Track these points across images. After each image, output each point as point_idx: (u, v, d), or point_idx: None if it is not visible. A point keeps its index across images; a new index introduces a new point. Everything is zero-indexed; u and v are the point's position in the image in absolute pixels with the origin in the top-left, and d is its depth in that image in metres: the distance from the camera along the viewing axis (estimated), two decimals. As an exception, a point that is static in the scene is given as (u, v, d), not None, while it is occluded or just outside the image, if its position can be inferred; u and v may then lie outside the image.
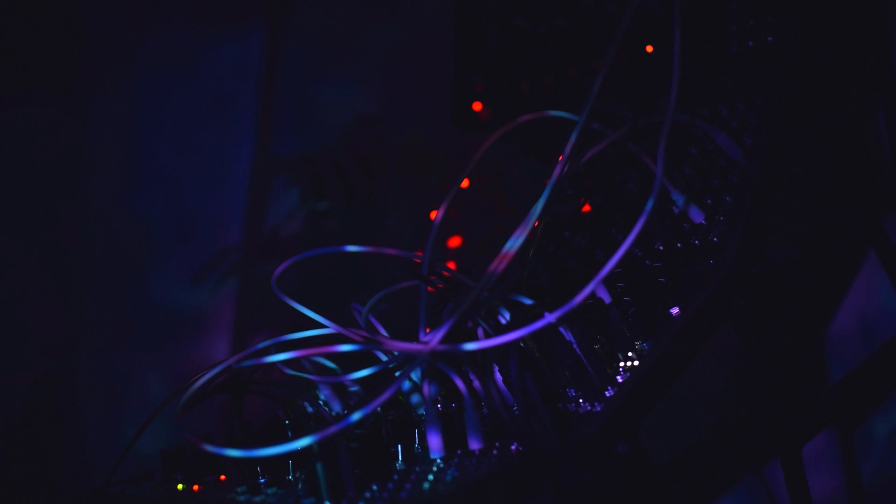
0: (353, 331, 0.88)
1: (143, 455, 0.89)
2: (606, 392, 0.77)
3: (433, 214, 1.29)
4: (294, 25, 1.36)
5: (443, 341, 0.75)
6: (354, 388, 0.96)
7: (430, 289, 0.91)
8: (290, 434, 0.85)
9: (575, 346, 0.80)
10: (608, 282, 0.87)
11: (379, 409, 0.75)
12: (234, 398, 0.92)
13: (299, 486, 0.75)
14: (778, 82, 0.95)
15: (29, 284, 1.25)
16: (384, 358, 0.86)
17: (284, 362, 0.87)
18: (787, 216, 0.93)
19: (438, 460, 0.74)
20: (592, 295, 0.82)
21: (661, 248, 0.92)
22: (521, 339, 0.72)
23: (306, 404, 0.96)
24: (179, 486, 0.83)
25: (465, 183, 1.36)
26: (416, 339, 0.91)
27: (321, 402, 0.95)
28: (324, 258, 0.95)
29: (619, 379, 0.78)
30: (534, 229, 0.90)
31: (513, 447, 0.72)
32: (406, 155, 1.42)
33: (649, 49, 1.15)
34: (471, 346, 0.74)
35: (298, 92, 1.37)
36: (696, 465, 0.84)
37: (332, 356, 0.91)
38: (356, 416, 0.68)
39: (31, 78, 1.24)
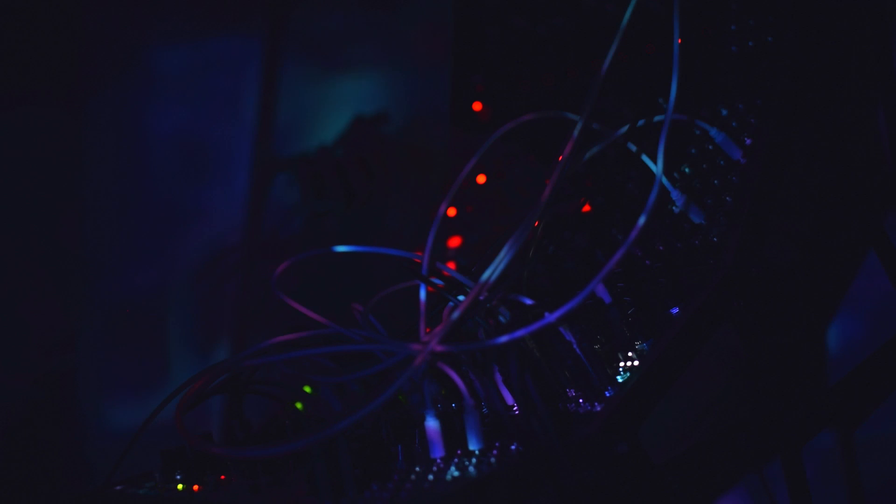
0: (353, 331, 0.88)
1: (143, 455, 0.89)
2: (606, 392, 0.77)
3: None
4: (294, 25, 1.36)
5: (443, 341, 0.75)
6: (354, 388, 0.96)
7: (430, 289, 0.92)
8: (289, 434, 0.85)
9: (575, 346, 0.80)
10: (608, 282, 0.87)
11: (379, 409, 0.75)
12: (234, 398, 0.92)
13: (299, 486, 0.75)
14: (778, 82, 0.95)
15: (29, 284, 1.25)
16: (384, 358, 0.86)
17: (284, 362, 0.87)
18: (787, 216, 0.93)
19: (438, 460, 0.74)
20: (592, 295, 0.82)
21: (661, 248, 0.92)
22: (521, 339, 0.72)
23: (306, 404, 0.96)
24: (179, 486, 0.83)
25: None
26: (416, 339, 0.91)
27: (321, 402, 0.95)
28: (324, 258, 0.95)
29: (619, 379, 0.78)
30: (534, 229, 0.90)
31: (513, 447, 0.72)
32: (406, 155, 1.42)
33: (649, 49, 1.15)
34: (471, 346, 0.74)
35: (298, 92, 1.37)
36: (696, 465, 0.84)
37: (332, 356, 0.91)
38: (356, 416, 0.68)
39: (31, 78, 1.24)
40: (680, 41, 0.86)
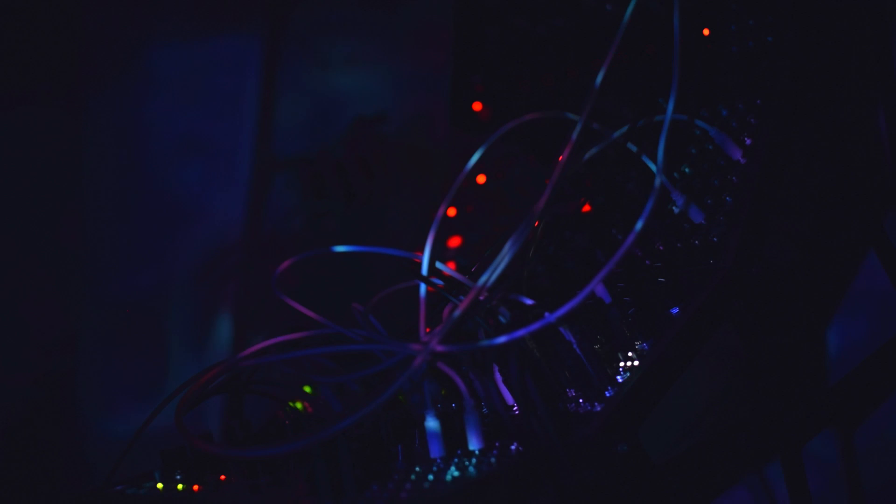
0: (353, 331, 0.88)
1: (143, 455, 0.89)
2: (606, 392, 0.77)
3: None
4: (294, 25, 1.36)
5: (443, 341, 0.75)
6: (354, 388, 0.96)
7: (430, 289, 0.92)
8: (289, 434, 0.85)
9: (575, 346, 0.80)
10: (608, 282, 0.87)
11: (379, 409, 0.75)
12: (234, 398, 0.92)
13: (299, 486, 0.75)
14: (778, 82, 0.95)
15: (29, 284, 1.25)
16: (384, 358, 0.86)
17: (284, 362, 0.87)
18: (787, 216, 0.93)
19: (438, 460, 0.74)
20: (592, 295, 0.82)
21: (661, 248, 0.92)
22: (521, 339, 0.72)
23: (306, 404, 0.96)
24: (179, 486, 0.83)
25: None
26: (416, 339, 0.91)
27: (321, 402, 0.95)
28: (324, 258, 0.95)
29: (619, 379, 0.78)
30: (534, 229, 0.90)
31: (513, 447, 0.72)
32: (406, 155, 1.42)
33: (650, 49, 1.15)
34: (471, 346, 0.74)
35: (298, 92, 1.37)
36: (696, 465, 0.84)
37: (332, 356, 0.91)
38: (356, 416, 0.68)
39: (31, 78, 1.24)
40: (679, 41, 0.86)
